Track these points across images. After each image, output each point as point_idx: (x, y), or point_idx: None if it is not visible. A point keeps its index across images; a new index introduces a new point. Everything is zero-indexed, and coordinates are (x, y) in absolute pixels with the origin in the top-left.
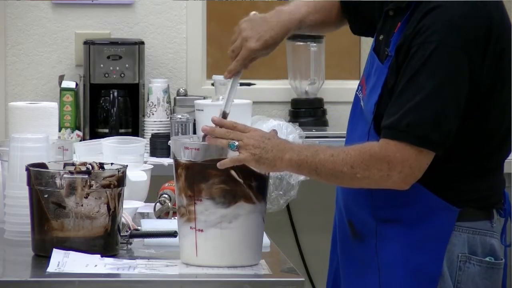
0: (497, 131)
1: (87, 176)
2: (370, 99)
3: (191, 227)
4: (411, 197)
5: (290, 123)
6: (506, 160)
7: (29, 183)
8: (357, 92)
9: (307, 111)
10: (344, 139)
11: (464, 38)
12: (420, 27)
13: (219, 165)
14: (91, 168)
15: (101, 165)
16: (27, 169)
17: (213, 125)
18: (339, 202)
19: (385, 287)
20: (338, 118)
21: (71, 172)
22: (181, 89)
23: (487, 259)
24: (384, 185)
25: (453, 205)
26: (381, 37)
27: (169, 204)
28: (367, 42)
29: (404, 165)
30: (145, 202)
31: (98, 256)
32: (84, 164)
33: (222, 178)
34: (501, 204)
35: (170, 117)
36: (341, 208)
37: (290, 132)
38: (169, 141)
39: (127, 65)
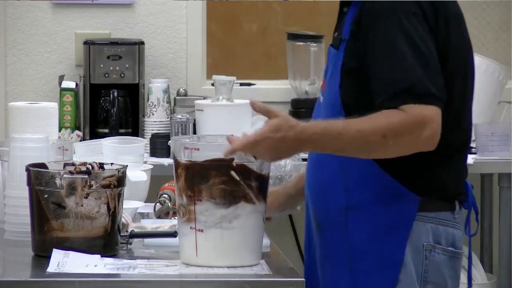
0: (459, 116)
1: (87, 176)
2: (331, 87)
3: (191, 227)
4: (377, 182)
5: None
6: (505, 161)
7: (29, 183)
8: (318, 97)
9: (307, 111)
10: None
11: (417, 3)
12: (373, 5)
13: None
14: (91, 168)
15: (101, 165)
16: (27, 169)
17: None
18: (307, 194)
19: (354, 272)
20: None
21: (71, 172)
22: (181, 89)
23: (449, 248)
24: (414, 148)
25: (414, 193)
26: (336, 34)
27: (169, 204)
28: None
29: (432, 120)
30: (145, 202)
31: (98, 256)
32: (84, 164)
33: (222, 178)
34: (464, 196)
35: (170, 117)
36: (308, 199)
37: None
38: (169, 141)
39: (127, 65)
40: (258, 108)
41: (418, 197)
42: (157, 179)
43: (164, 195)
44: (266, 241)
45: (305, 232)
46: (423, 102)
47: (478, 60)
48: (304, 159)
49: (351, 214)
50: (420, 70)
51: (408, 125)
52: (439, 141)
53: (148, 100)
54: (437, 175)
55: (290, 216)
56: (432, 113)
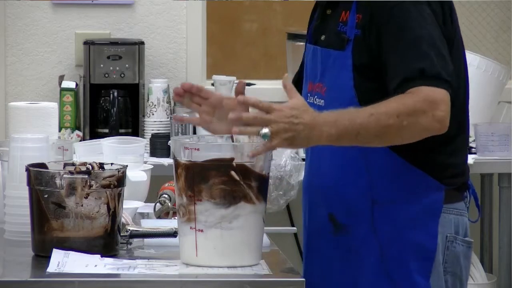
0: (462, 93)
1: (87, 176)
2: (340, 88)
3: (191, 227)
4: (403, 175)
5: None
6: (505, 161)
7: (29, 183)
8: (309, 101)
9: None
10: None
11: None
12: (377, 3)
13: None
14: (91, 168)
15: (101, 165)
16: (27, 169)
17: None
18: (315, 198)
19: (388, 262)
20: None
21: (71, 172)
22: None
23: (467, 238)
24: (428, 128)
25: (440, 182)
26: (323, 37)
27: (169, 204)
28: None
29: (443, 102)
30: (145, 202)
31: (98, 256)
32: (84, 164)
33: (222, 178)
34: (468, 182)
35: (170, 117)
36: (319, 203)
37: None
38: (169, 141)
39: (127, 65)
40: (287, 86)
41: (443, 186)
42: (157, 179)
43: (164, 195)
44: (266, 241)
45: (304, 237)
46: (433, 85)
47: (478, 60)
48: (304, 159)
49: (378, 209)
50: (432, 56)
51: (420, 104)
52: (450, 130)
53: (148, 100)
54: (457, 162)
55: (290, 216)
56: (442, 95)
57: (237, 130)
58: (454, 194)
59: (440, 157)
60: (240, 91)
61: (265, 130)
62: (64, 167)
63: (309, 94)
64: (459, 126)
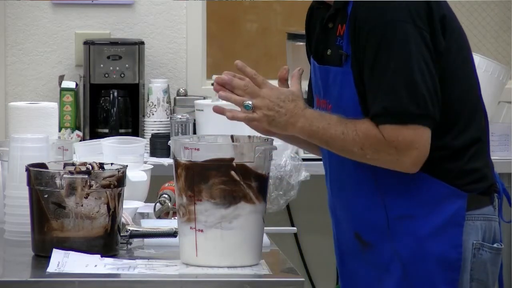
0: (469, 100)
1: (87, 176)
2: (346, 105)
3: (191, 227)
4: (420, 188)
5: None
6: (505, 161)
7: (29, 183)
8: None
9: None
10: None
11: (406, 11)
12: (362, 17)
13: (230, 116)
14: (91, 168)
15: (101, 165)
16: (27, 169)
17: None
18: (340, 217)
19: (409, 281)
20: None
21: (71, 172)
22: (181, 89)
23: (495, 245)
24: (394, 168)
25: (460, 189)
26: (329, 51)
27: (169, 204)
28: None
29: (412, 146)
30: (145, 202)
31: (98, 256)
32: (84, 164)
33: (222, 178)
34: (496, 186)
35: (170, 117)
36: (344, 222)
37: None
38: (169, 141)
39: (127, 65)
40: (296, 73)
41: (465, 193)
42: (157, 179)
43: (164, 195)
44: (266, 241)
45: (337, 255)
46: (399, 123)
47: (478, 60)
48: (304, 159)
49: (396, 225)
50: (401, 89)
51: (384, 147)
52: (465, 136)
53: (148, 100)
54: (477, 168)
55: (290, 216)
56: (409, 136)
57: (222, 94)
58: (479, 199)
59: (458, 163)
60: (283, 76)
61: (249, 102)
62: (64, 167)
63: (318, 109)
64: (478, 130)
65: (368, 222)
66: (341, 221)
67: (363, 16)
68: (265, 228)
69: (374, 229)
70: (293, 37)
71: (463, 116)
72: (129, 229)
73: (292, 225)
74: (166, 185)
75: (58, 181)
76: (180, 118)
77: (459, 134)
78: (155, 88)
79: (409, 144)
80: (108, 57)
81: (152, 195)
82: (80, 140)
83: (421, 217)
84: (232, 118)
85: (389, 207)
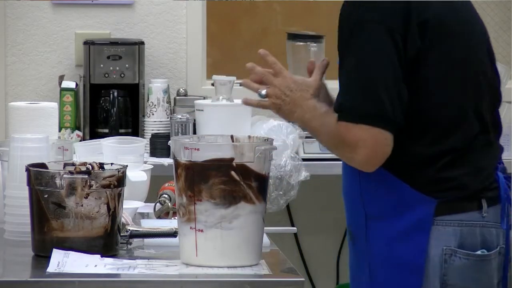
0: (451, 108)
1: (87, 176)
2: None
3: (191, 227)
4: (391, 191)
5: (290, 123)
6: (505, 160)
7: (29, 183)
8: None
9: None
10: None
11: (379, 12)
12: (340, 15)
13: (245, 101)
14: (91, 168)
15: (101, 165)
16: (27, 169)
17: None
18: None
19: (375, 283)
20: None
21: (71, 172)
22: (181, 89)
23: (478, 252)
24: (353, 165)
25: (430, 196)
26: None
27: (169, 204)
28: None
29: (360, 145)
30: (145, 202)
31: (98, 256)
32: (84, 164)
33: (222, 178)
34: (492, 192)
35: (170, 117)
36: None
37: (290, 132)
38: (169, 141)
39: (127, 65)
40: (322, 64)
41: (434, 199)
42: (157, 179)
43: (164, 195)
44: (266, 241)
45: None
46: (352, 121)
47: None
48: (304, 159)
49: (371, 224)
50: (357, 89)
51: (339, 142)
52: (450, 136)
53: (148, 100)
54: (452, 176)
55: (290, 216)
56: (360, 137)
57: (245, 81)
58: (454, 205)
59: (428, 171)
60: (311, 69)
61: (264, 91)
62: (64, 167)
63: None
64: (462, 140)
65: (354, 218)
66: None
67: (341, 14)
68: (265, 228)
69: (357, 225)
70: (293, 37)
71: (440, 125)
72: (129, 229)
73: (292, 225)
74: (166, 185)
75: (58, 181)
76: (180, 118)
77: (433, 143)
78: (155, 88)
79: (357, 142)
80: (108, 57)
81: (152, 195)
82: (80, 140)
83: (390, 220)
84: (245, 103)
85: (367, 206)
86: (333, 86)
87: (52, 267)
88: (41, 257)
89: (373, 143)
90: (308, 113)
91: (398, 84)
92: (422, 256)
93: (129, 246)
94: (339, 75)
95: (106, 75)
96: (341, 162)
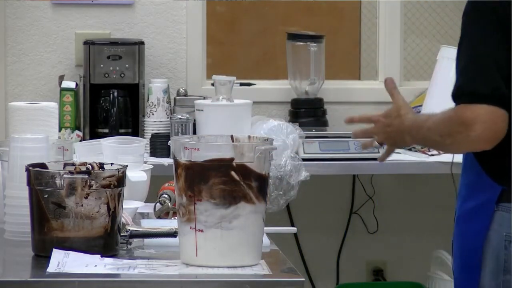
0: None
1: (87, 176)
2: None
3: (191, 227)
4: (472, 171)
5: (290, 123)
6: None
7: (29, 183)
8: None
9: (307, 111)
10: (344, 139)
11: (493, 1)
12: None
13: (380, 159)
14: (91, 168)
15: (101, 165)
16: (27, 169)
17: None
18: None
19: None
20: (338, 118)
21: (71, 172)
22: (181, 89)
23: None
24: (468, 146)
25: (498, 182)
26: None
27: (169, 204)
28: (367, 42)
29: (477, 120)
30: (145, 202)
31: (98, 256)
32: (84, 164)
33: (222, 178)
34: None
35: (170, 117)
36: None
37: (290, 132)
38: (169, 141)
39: (127, 65)
40: (388, 86)
41: (499, 186)
42: (157, 179)
43: (164, 195)
44: (266, 241)
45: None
46: (470, 102)
47: None
48: (304, 159)
49: (457, 201)
50: (471, 71)
51: (455, 124)
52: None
53: (148, 100)
54: None
55: (290, 216)
56: (475, 113)
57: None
58: None
59: (503, 160)
60: (391, 86)
61: (376, 143)
62: (64, 167)
63: None
64: None
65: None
66: None
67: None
68: (265, 228)
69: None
70: (293, 37)
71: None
72: (129, 229)
73: (292, 225)
74: (166, 185)
75: (58, 181)
76: (180, 118)
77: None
78: (155, 88)
79: (474, 119)
80: (108, 57)
81: (152, 195)
82: (80, 140)
83: (462, 198)
84: (381, 160)
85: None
86: (333, 86)
87: (52, 267)
88: (41, 257)
89: (490, 118)
90: (413, 130)
91: (504, 71)
92: (481, 239)
93: (129, 246)
94: (457, 60)
95: (106, 75)
96: (340, 162)
